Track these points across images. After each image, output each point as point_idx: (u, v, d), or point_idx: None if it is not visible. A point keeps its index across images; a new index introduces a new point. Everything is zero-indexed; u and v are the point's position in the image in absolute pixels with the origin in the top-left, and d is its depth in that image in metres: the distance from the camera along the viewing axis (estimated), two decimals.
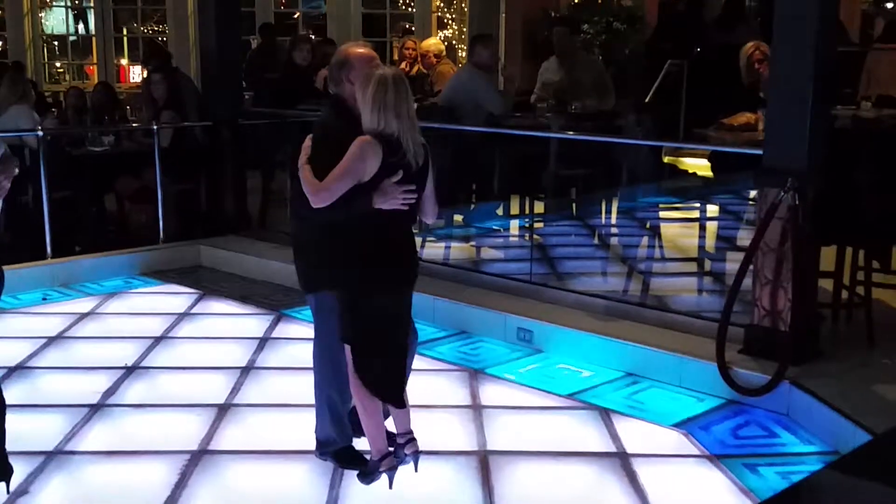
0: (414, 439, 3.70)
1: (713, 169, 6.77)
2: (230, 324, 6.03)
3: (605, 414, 4.57)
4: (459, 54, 14.87)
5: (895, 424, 3.76)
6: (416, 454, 3.70)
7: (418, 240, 5.36)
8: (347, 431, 3.92)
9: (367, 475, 3.70)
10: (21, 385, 4.83)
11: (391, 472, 3.67)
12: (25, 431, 3.71)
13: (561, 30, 8.11)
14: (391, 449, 3.69)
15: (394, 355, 3.67)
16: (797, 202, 4.53)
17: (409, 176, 3.48)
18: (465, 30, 15.88)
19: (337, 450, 3.93)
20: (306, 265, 3.88)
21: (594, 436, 4.37)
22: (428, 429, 4.03)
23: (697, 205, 7.75)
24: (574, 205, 8.08)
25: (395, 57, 11.75)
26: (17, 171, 3.42)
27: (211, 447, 4.19)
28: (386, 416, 3.79)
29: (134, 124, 9.16)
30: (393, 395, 3.67)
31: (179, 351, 5.50)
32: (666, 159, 8.30)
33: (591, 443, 4.30)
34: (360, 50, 3.79)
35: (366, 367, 3.61)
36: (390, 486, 3.67)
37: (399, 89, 3.45)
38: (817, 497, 3.47)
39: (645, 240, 7.81)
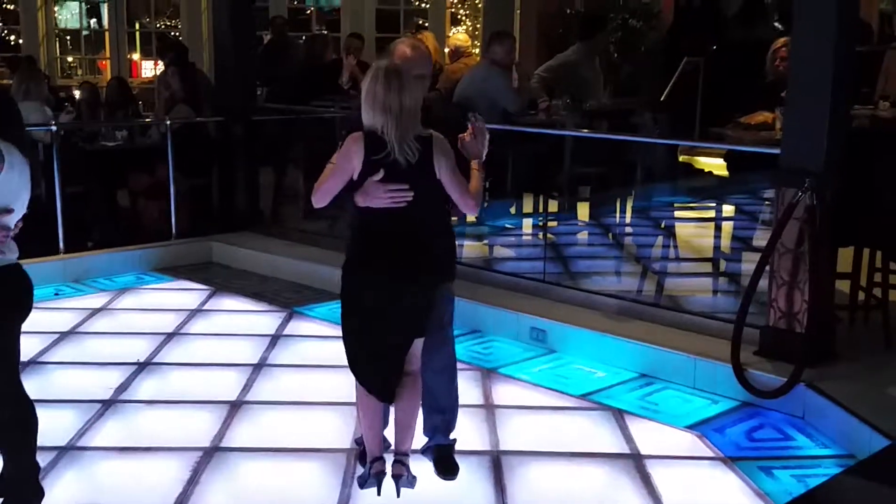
0: (399, 462, 3.52)
1: (729, 168, 6.72)
2: (242, 320, 6.02)
3: (619, 415, 4.55)
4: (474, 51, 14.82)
5: None
6: (397, 478, 3.50)
7: None
8: None
9: (362, 479, 3.57)
10: (33, 380, 4.82)
11: (379, 477, 3.50)
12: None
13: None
14: (382, 456, 3.53)
15: (376, 351, 3.47)
16: (814, 202, 4.49)
17: (396, 174, 3.29)
18: (478, 26, 15.86)
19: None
20: None
21: (608, 437, 4.34)
22: None
23: (713, 204, 7.71)
24: (588, 203, 8.04)
25: None
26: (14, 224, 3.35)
27: (223, 444, 4.18)
28: (386, 425, 3.69)
29: (147, 119, 9.15)
30: (377, 388, 3.51)
31: (191, 347, 5.50)
32: (682, 158, 8.25)
33: (605, 444, 4.27)
34: (404, 46, 3.65)
35: (352, 358, 3.51)
36: (378, 493, 3.51)
37: (390, 82, 3.25)
38: (834, 502, 3.45)
39: (660, 239, 7.77)
